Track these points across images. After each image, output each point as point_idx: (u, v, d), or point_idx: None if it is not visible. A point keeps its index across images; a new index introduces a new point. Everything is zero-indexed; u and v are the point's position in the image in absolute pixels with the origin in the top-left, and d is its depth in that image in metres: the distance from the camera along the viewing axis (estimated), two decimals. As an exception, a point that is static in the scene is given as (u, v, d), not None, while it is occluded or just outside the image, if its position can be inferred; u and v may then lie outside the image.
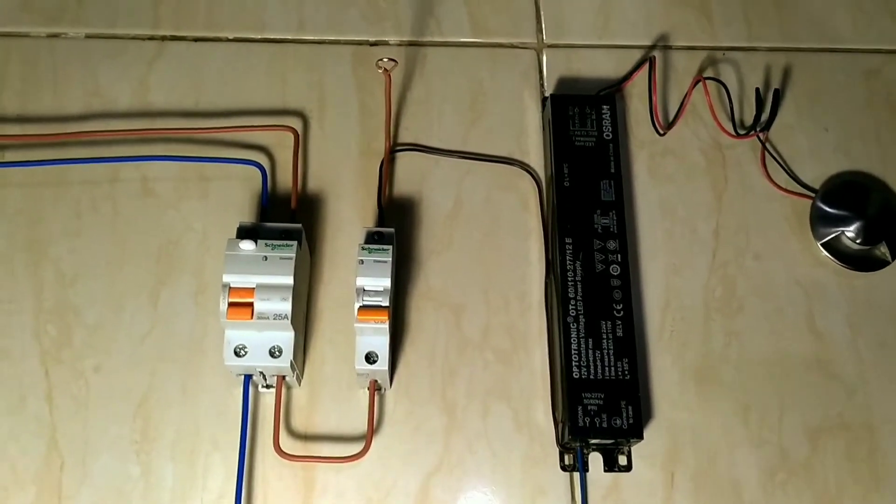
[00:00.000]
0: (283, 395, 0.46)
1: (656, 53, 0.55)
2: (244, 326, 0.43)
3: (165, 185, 0.51)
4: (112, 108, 0.52)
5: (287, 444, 0.45)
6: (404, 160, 0.52)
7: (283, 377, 0.45)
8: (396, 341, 0.48)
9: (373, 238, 0.45)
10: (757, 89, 0.53)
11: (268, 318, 0.42)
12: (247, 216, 0.50)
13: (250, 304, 0.42)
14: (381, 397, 0.47)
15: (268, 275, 0.42)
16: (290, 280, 0.42)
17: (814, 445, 0.47)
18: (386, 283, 0.43)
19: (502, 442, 0.46)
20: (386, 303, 0.43)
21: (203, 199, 0.50)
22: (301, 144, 0.51)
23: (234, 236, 0.44)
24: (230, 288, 0.42)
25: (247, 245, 0.42)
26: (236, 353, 0.43)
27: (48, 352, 0.47)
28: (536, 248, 0.50)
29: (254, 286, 0.42)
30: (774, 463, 0.47)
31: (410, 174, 0.52)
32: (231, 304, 0.42)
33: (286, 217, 0.49)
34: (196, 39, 0.55)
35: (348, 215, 0.51)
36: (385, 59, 0.47)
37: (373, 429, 0.45)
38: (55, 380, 0.46)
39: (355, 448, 0.45)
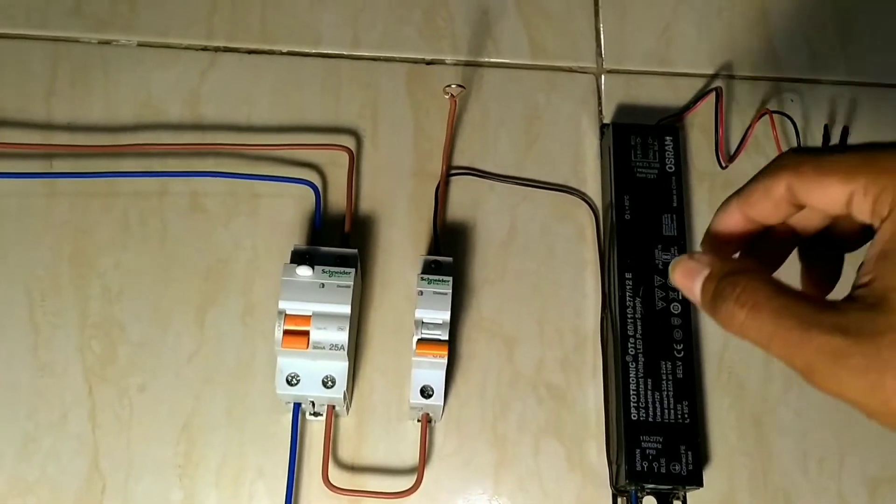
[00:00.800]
0: (332, 425, 0.45)
1: (719, 83, 0.54)
2: (297, 355, 0.42)
3: (215, 201, 0.49)
4: (163, 119, 0.51)
5: (335, 475, 0.44)
6: (458, 184, 0.51)
7: (333, 406, 0.44)
8: (448, 370, 0.46)
9: (430, 267, 0.44)
10: (826, 126, 0.52)
11: (323, 347, 0.41)
12: (297, 235, 0.49)
13: (306, 333, 0.41)
14: (431, 430, 0.46)
15: (325, 303, 0.41)
16: (347, 309, 0.41)
17: (872, 495, 0.46)
18: (445, 316, 0.42)
19: (554, 481, 0.45)
20: (445, 336, 0.42)
21: (253, 216, 0.49)
22: (355, 164, 0.50)
23: (287, 258, 0.43)
24: (286, 315, 0.41)
25: (304, 271, 0.41)
26: (288, 382, 0.42)
27: (91, 368, 0.46)
28: (592, 280, 0.49)
29: (310, 314, 0.41)
30: (833, 513, 0.45)
31: (464, 199, 0.51)
32: (286, 332, 0.41)
33: (338, 239, 0.48)
34: (250, 52, 0.53)
35: (400, 239, 0.49)
36: (453, 86, 0.46)
37: (424, 464, 0.44)
38: (98, 398, 0.45)
39: (403, 481, 0.44)
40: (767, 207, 0.27)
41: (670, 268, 0.28)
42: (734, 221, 0.28)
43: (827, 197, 0.25)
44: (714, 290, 0.26)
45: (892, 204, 0.24)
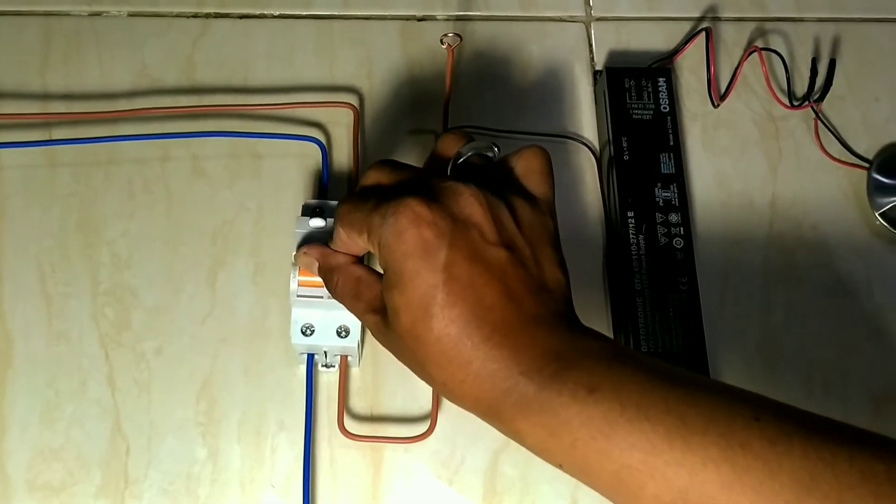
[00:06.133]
0: (346, 375, 0.45)
1: (706, 25, 0.55)
2: (311, 305, 0.42)
3: (217, 164, 0.50)
4: (159, 86, 0.51)
5: (353, 425, 0.45)
6: (457, 136, 0.52)
7: (346, 357, 0.45)
8: (458, 319, 0.47)
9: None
10: (813, 59, 0.53)
11: (338, 296, 0.41)
12: (301, 194, 0.49)
13: (320, 283, 0.41)
14: (446, 375, 0.46)
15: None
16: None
17: (876, 414, 0.47)
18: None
19: (569, 417, 0.46)
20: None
21: (256, 177, 0.50)
22: (360, 120, 0.51)
23: (292, 217, 0.44)
24: (300, 267, 0.41)
25: (317, 222, 0.42)
26: (303, 333, 0.43)
27: (107, 334, 0.46)
28: (595, 221, 0.50)
29: (324, 264, 0.41)
30: (839, 433, 0.47)
31: (464, 151, 0.51)
32: (301, 284, 0.41)
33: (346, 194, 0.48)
34: (241, 17, 0.54)
35: (404, 193, 0.50)
36: (450, 35, 0.46)
37: (437, 408, 0.45)
38: (116, 363, 0.46)
39: (420, 427, 0.45)
40: (347, 244, 0.38)
41: (294, 257, 0.41)
42: (336, 248, 0.40)
43: (357, 244, 0.37)
44: (322, 277, 0.40)
45: (379, 253, 0.35)
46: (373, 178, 0.37)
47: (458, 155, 0.37)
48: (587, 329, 0.35)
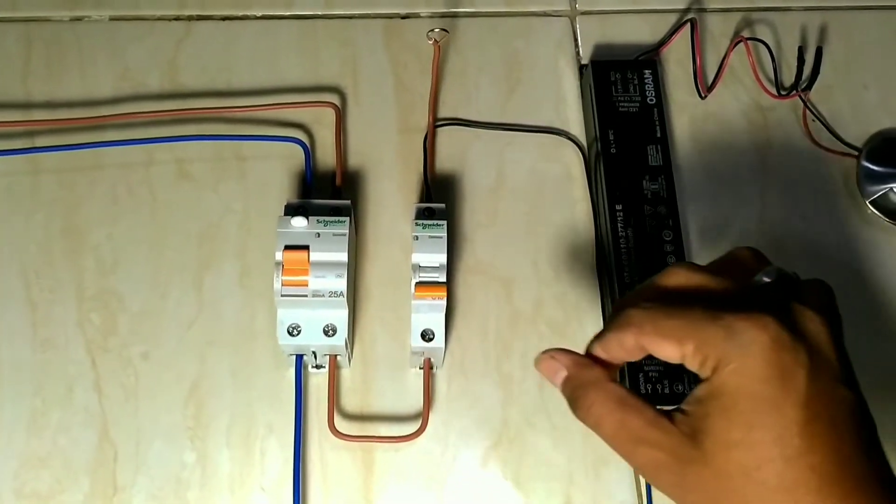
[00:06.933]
0: (336, 376, 0.45)
1: (691, 16, 0.54)
2: (297, 305, 0.42)
3: (202, 167, 0.49)
4: (142, 91, 0.51)
5: (343, 425, 0.44)
6: (443, 135, 0.51)
7: (335, 356, 0.44)
8: (447, 317, 0.47)
9: (423, 214, 0.45)
10: (800, 48, 0.52)
11: (323, 295, 0.41)
12: (286, 195, 0.49)
13: (304, 283, 0.41)
14: (436, 375, 0.46)
15: (321, 252, 0.41)
16: (344, 256, 0.41)
17: (869, 402, 0.47)
18: (442, 258, 0.42)
19: (561, 414, 0.46)
20: (443, 278, 0.42)
21: (241, 179, 0.49)
22: (342, 119, 0.50)
23: (280, 215, 0.43)
24: (283, 267, 0.41)
25: (299, 222, 0.41)
26: (289, 333, 0.42)
27: (93, 340, 0.46)
28: (584, 216, 0.50)
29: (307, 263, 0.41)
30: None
31: (451, 149, 0.51)
32: (285, 283, 0.41)
33: (330, 194, 0.48)
34: (224, 18, 0.53)
35: (391, 192, 0.50)
36: (436, 30, 0.46)
37: (429, 406, 0.44)
38: (102, 369, 0.45)
39: (411, 426, 0.44)
40: (623, 353, 0.33)
41: (535, 359, 0.35)
42: (599, 355, 0.34)
43: (665, 354, 0.31)
44: (571, 393, 0.33)
45: (713, 369, 0.30)
46: (678, 280, 0.33)
47: (768, 272, 0.33)
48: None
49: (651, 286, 0.33)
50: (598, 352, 0.33)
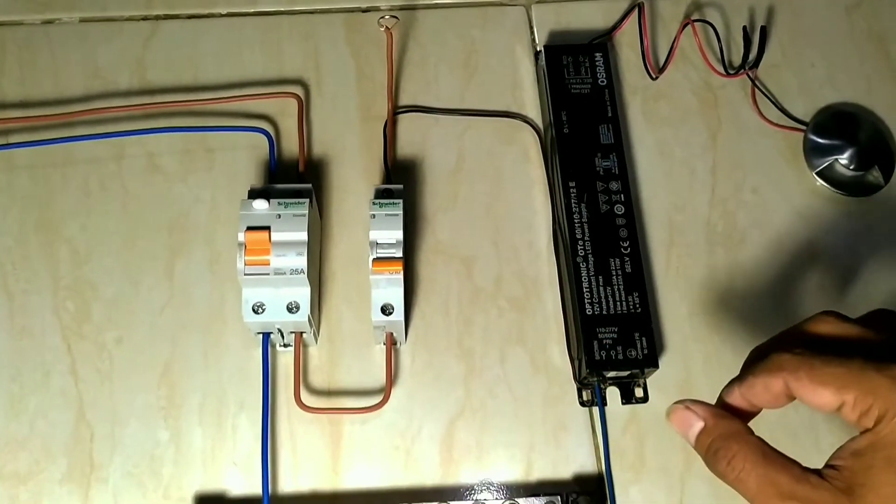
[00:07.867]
0: (304, 354, 0.47)
1: (643, 1, 0.56)
2: (261, 284, 0.44)
3: (171, 160, 0.51)
4: (112, 89, 0.53)
5: (311, 400, 0.46)
6: (405, 122, 0.53)
7: (301, 334, 0.46)
8: (410, 296, 0.49)
9: (382, 194, 0.46)
10: (745, 27, 0.54)
11: (284, 273, 0.43)
12: (252, 183, 0.51)
13: (266, 262, 0.43)
14: (400, 351, 0.48)
15: (282, 231, 0.43)
16: (304, 235, 0.43)
17: (823, 368, 0.48)
18: (398, 234, 0.44)
19: (521, 384, 0.47)
20: (399, 254, 0.44)
21: (209, 170, 0.51)
22: (304, 108, 0.52)
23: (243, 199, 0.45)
24: (246, 247, 0.43)
25: (260, 204, 0.43)
26: (254, 311, 0.44)
27: (68, 327, 0.47)
28: (541, 196, 0.51)
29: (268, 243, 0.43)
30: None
31: (411, 135, 0.53)
32: (248, 263, 0.43)
33: (294, 181, 0.50)
34: (189, 17, 0.55)
35: (354, 178, 0.51)
36: (387, 17, 0.48)
37: (391, 378, 0.46)
38: (78, 354, 0.47)
39: (376, 400, 0.46)
40: (767, 399, 0.31)
41: (668, 411, 0.33)
42: (737, 402, 0.32)
43: (820, 401, 0.30)
44: (709, 446, 0.31)
45: (877, 420, 0.28)
46: (828, 328, 0.32)
47: None
48: None
49: (798, 332, 0.32)
50: (736, 398, 0.32)
